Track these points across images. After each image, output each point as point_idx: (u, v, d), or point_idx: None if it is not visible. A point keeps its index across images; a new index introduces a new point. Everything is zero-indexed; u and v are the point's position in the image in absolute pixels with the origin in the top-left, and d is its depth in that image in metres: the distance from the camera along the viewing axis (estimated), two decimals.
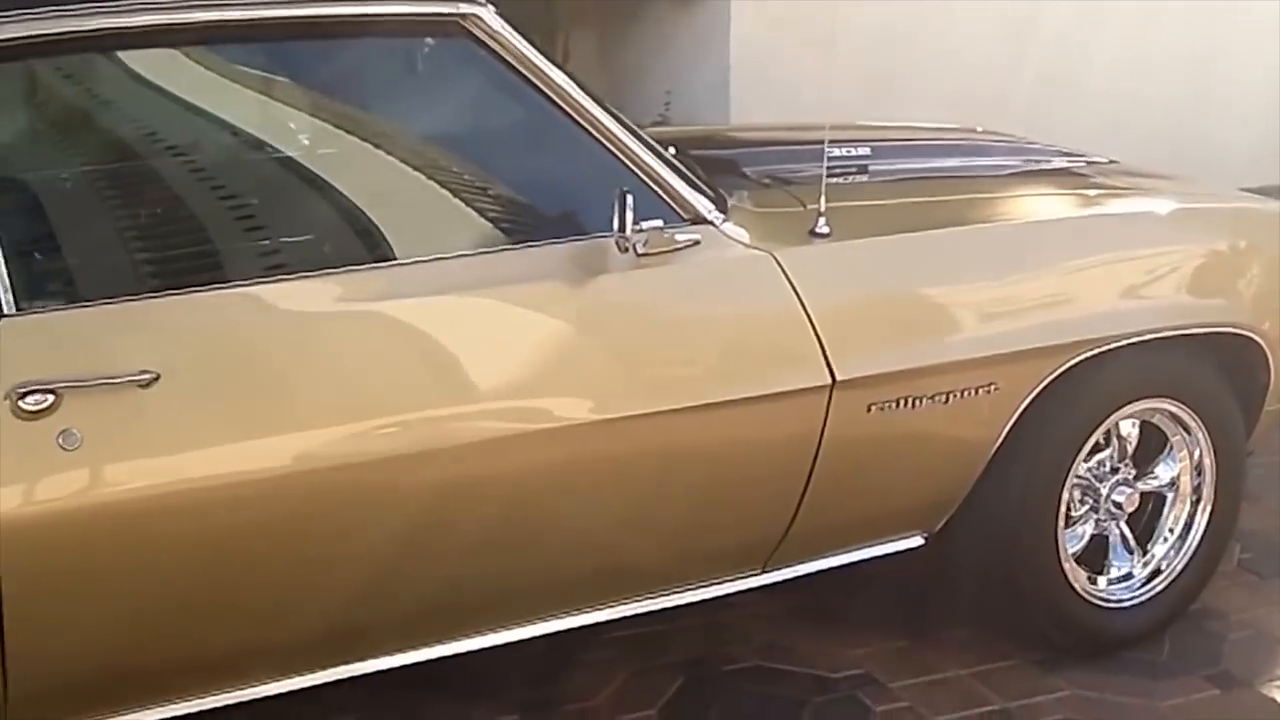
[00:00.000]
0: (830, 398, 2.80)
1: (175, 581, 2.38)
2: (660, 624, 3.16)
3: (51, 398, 2.23)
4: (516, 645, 2.83)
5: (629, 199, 2.56)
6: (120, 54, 2.57)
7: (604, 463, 2.65)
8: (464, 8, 2.62)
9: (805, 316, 2.78)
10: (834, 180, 3.28)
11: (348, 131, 2.91)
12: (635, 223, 2.59)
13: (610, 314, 2.70)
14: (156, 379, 2.30)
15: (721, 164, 3.32)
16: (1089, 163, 3.82)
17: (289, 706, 2.69)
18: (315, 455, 2.41)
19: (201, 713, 2.56)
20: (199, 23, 2.47)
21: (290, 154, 2.89)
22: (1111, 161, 3.90)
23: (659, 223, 2.68)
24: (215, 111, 2.84)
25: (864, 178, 3.43)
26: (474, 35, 2.64)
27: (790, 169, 3.38)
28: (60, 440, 2.23)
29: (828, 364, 2.78)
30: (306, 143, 2.90)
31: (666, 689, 3.18)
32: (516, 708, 3.10)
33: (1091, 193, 3.49)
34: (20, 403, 2.22)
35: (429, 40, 2.72)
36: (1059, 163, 3.76)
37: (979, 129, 4.29)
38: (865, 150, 3.52)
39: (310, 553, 2.48)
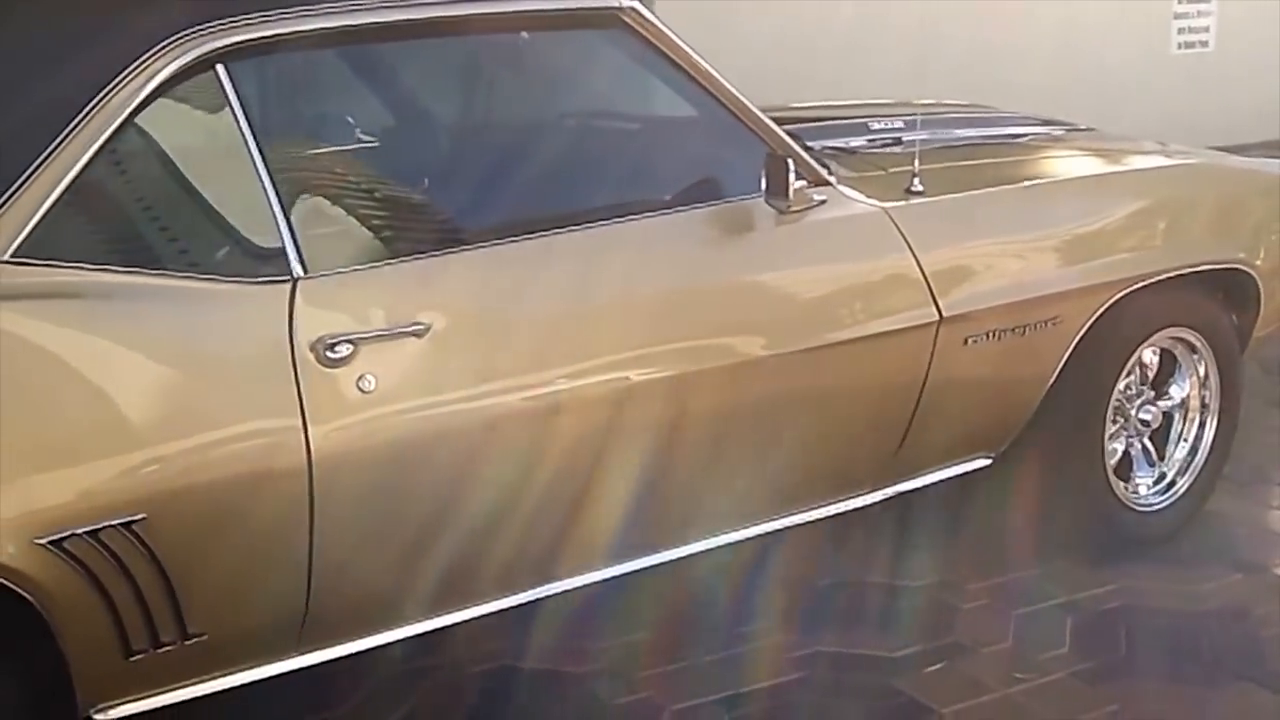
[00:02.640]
0: (937, 332, 3.23)
1: (456, 506, 2.72)
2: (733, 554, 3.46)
3: (351, 347, 2.56)
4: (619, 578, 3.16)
5: (790, 164, 2.96)
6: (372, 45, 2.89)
7: (777, 393, 3.05)
8: (624, 1, 2.99)
9: (915, 262, 3.21)
10: (876, 151, 3.73)
11: (544, 113, 3.26)
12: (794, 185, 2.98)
13: (773, 264, 3.11)
14: (428, 329, 2.63)
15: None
16: (1073, 129, 4.32)
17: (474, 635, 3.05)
18: (558, 393, 2.78)
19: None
20: (418, 20, 2.79)
21: (511, 132, 3.23)
22: (1089, 129, 4.41)
23: (803, 183, 3.08)
24: (453, 94, 3.17)
25: (897, 149, 3.87)
26: (630, 26, 3.00)
27: (843, 141, 3.81)
28: (360, 384, 2.56)
29: (935, 303, 3.22)
30: (517, 124, 3.24)
31: (784, 601, 3.56)
32: (645, 628, 3.46)
33: (1106, 154, 3.99)
34: (328, 353, 2.54)
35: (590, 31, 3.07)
36: (1055, 129, 4.24)
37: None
38: (899, 124, 3.95)
39: (552, 475, 2.82)
